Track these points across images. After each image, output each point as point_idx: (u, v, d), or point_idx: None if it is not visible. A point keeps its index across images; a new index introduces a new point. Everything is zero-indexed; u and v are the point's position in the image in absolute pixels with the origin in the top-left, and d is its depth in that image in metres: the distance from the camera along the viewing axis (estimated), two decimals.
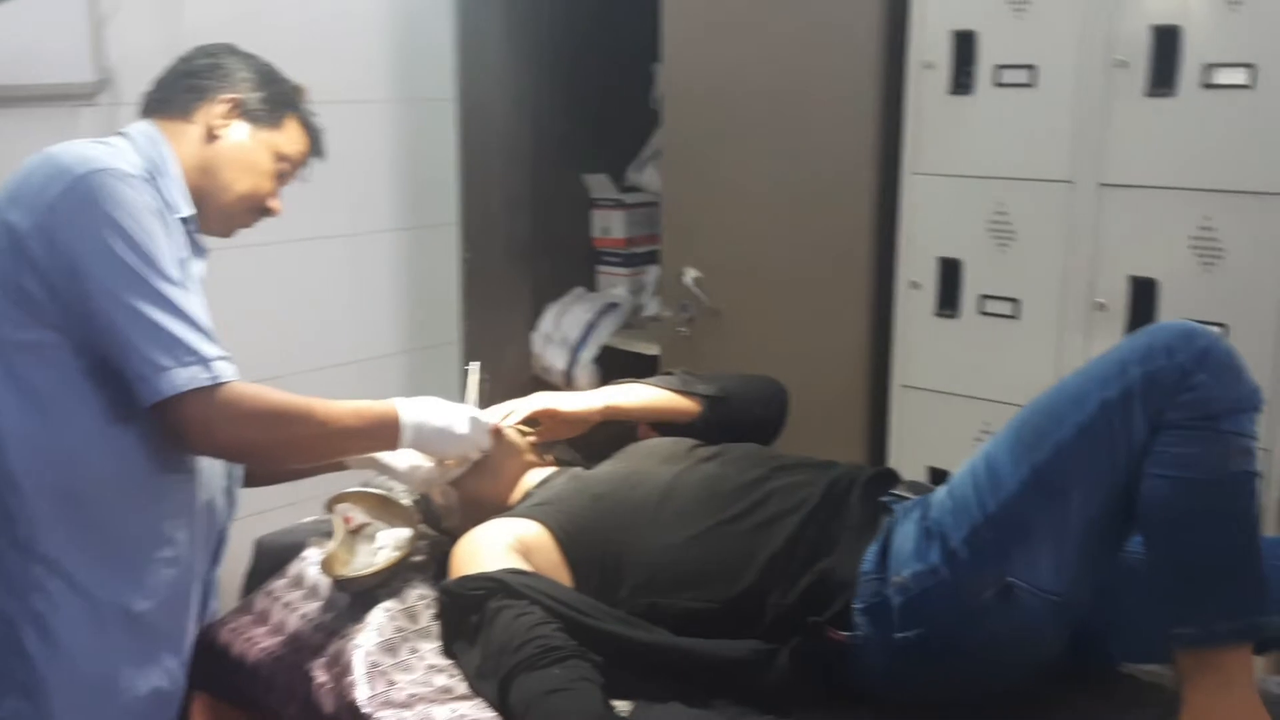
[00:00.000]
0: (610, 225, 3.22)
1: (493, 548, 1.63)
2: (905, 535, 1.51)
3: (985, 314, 2.30)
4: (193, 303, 1.55)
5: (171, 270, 1.53)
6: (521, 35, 2.94)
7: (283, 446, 1.60)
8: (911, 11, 2.27)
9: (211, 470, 1.70)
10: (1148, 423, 1.36)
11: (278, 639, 1.71)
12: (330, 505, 1.84)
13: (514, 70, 2.94)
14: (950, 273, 2.34)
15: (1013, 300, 2.26)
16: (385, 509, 1.85)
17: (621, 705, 1.49)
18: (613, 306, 3.15)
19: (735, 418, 1.95)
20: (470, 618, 1.56)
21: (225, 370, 1.52)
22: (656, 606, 1.59)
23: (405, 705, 1.52)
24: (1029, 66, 2.17)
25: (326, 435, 1.62)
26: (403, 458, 1.77)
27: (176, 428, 1.52)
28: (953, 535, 1.45)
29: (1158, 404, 1.35)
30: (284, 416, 1.57)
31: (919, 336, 2.40)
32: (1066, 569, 1.42)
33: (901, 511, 1.57)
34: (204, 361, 1.50)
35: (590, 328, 3.10)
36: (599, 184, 3.23)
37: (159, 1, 2.43)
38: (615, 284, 3.24)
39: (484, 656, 1.53)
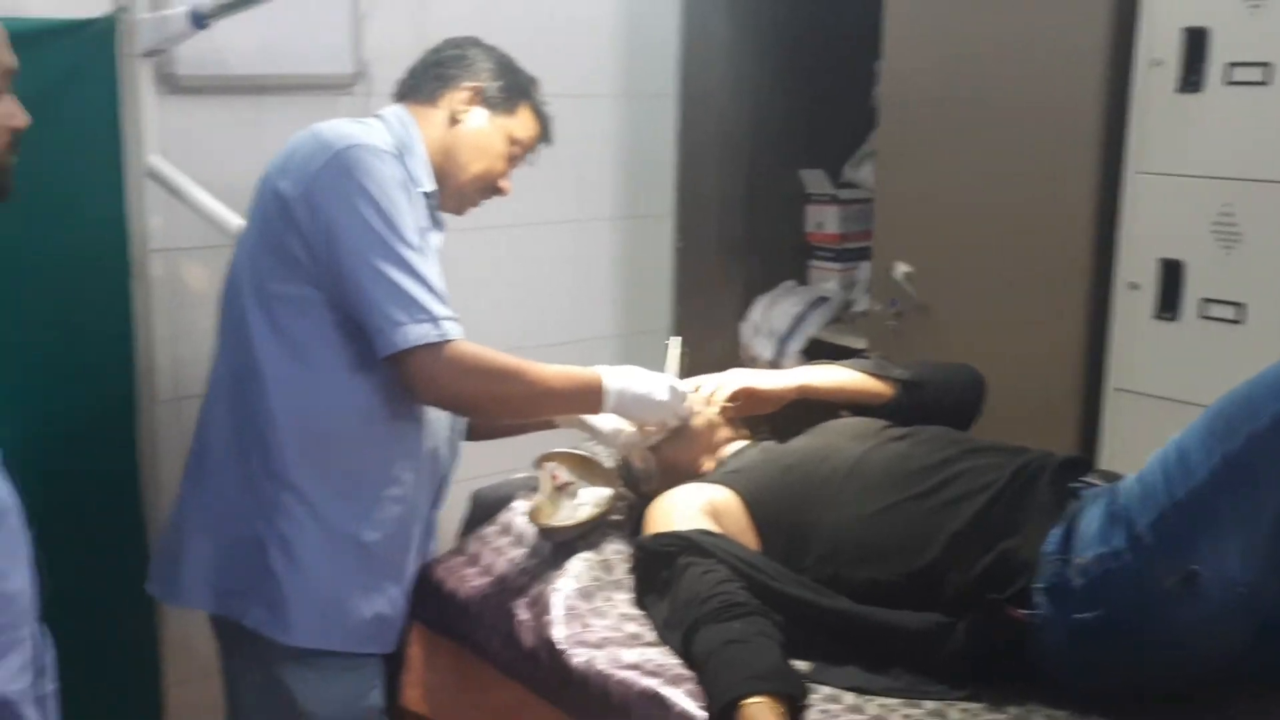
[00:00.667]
0: (824, 221, 3.26)
1: (685, 509, 1.72)
2: (1091, 518, 1.51)
3: (1207, 318, 2.23)
4: (429, 268, 1.71)
5: (412, 237, 1.69)
6: (745, 34, 3.02)
7: (497, 401, 1.74)
8: (1141, 7, 2.23)
9: (438, 421, 1.86)
10: None
11: (486, 579, 1.85)
12: (539, 463, 1.97)
13: (735, 68, 3.02)
14: (1171, 275, 2.27)
15: (1237, 304, 2.18)
16: (589, 469, 1.97)
17: (801, 665, 1.55)
18: (822, 300, 3.19)
19: (929, 403, 1.97)
20: (661, 572, 1.66)
21: (452, 329, 1.67)
22: (839, 576, 1.65)
23: (597, 646, 1.63)
24: (1264, 64, 2.09)
25: (536, 395, 1.75)
26: (607, 422, 1.89)
27: (406, 378, 1.68)
28: (1139, 520, 1.44)
29: None
30: (500, 374, 1.71)
31: (1136, 339, 2.34)
32: (1253, 561, 1.39)
33: (1089, 497, 1.57)
34: (434, 320, 1.66)
35: (799, 320, 3.15)
36: (814, 180, 3.27)
37: (411, 1, 2.64)
38: (826, 279, 3.28)
39: (672, 608, 1.62)
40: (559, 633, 1.66)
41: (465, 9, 2.67)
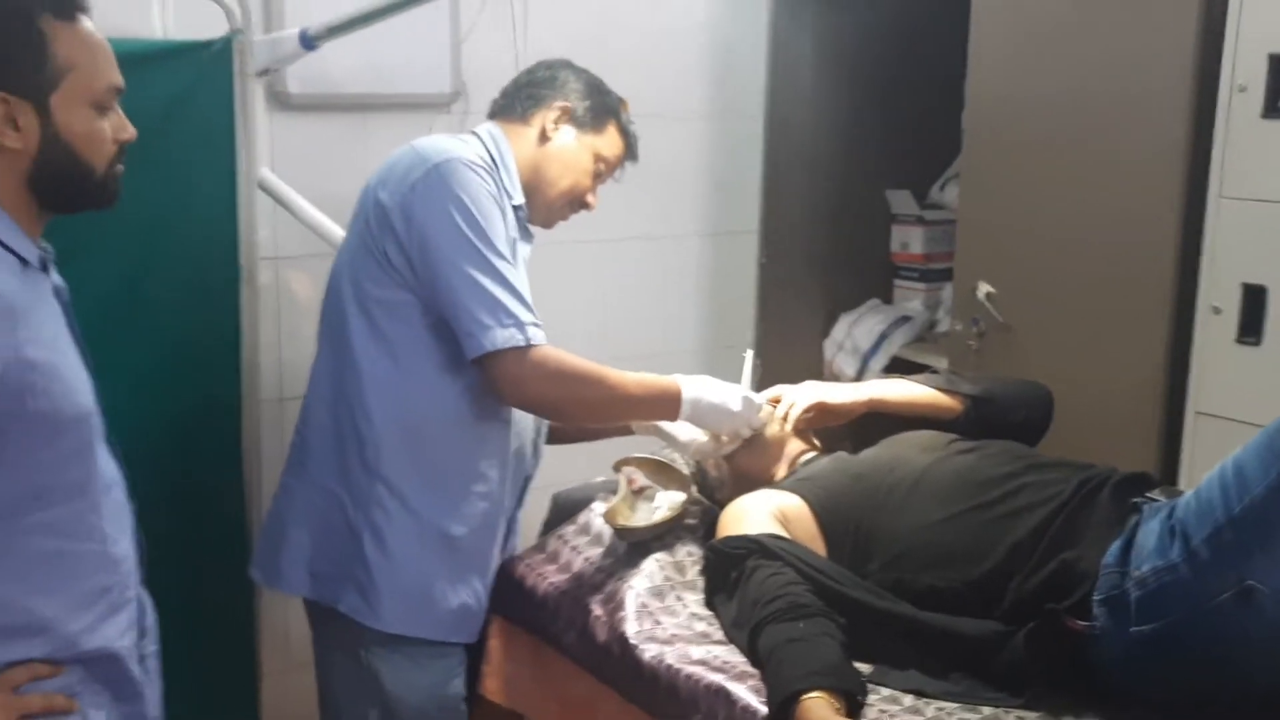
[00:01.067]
0: (909, 241, 3.29)
1: (756, 514, 1.79)
2: (1149, 532, 1.53)
3: None
4: (517, 276, 1.80)
5: (503, 247, 1.79)
6: (833, 55, 3.07)
7: (578, 404, 1.83)
8: (1228, 33, 2.24)
9: (524, 423, 1.95)
10: None
11: (564, 576, 1.93)
12: (618, 466, 2.06)
13: (822, 89, 3.07)
14: (1255, 299, 2.27)
15: None
16: (665, 475, 2.05)
17: (862, 667, 1.60)
18: (906, 319, 3.22)
19: (998, 418, 2.01)
20: (730, 573, 1.72)
21: (537, 335, 1.77)
22: (902, 582, 1.69)
23: (667, 642, 1.70)
24: None
25: (614, 400, 1.83)
26: (683, 430, 1.96)
27: (492, 380, 1.78)
28: (1195, 534, 1.46)
29: None
30: (581, 379, 1.80)
31: (1218, 363, 2.33)
32: None
33: (1150, 511, 1.59)
34: (520, 325, 1.75)
35: (882, 338, 3.19)
36: (901, 200, 3.31)
37: (507, 25, 2.75)
38: (911, 298, 3.31)
39: (739, 608, 1.68)
40: (631, 628, 1.74)
41: (561, 33, 2.77)
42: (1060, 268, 2.57)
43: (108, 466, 1.48)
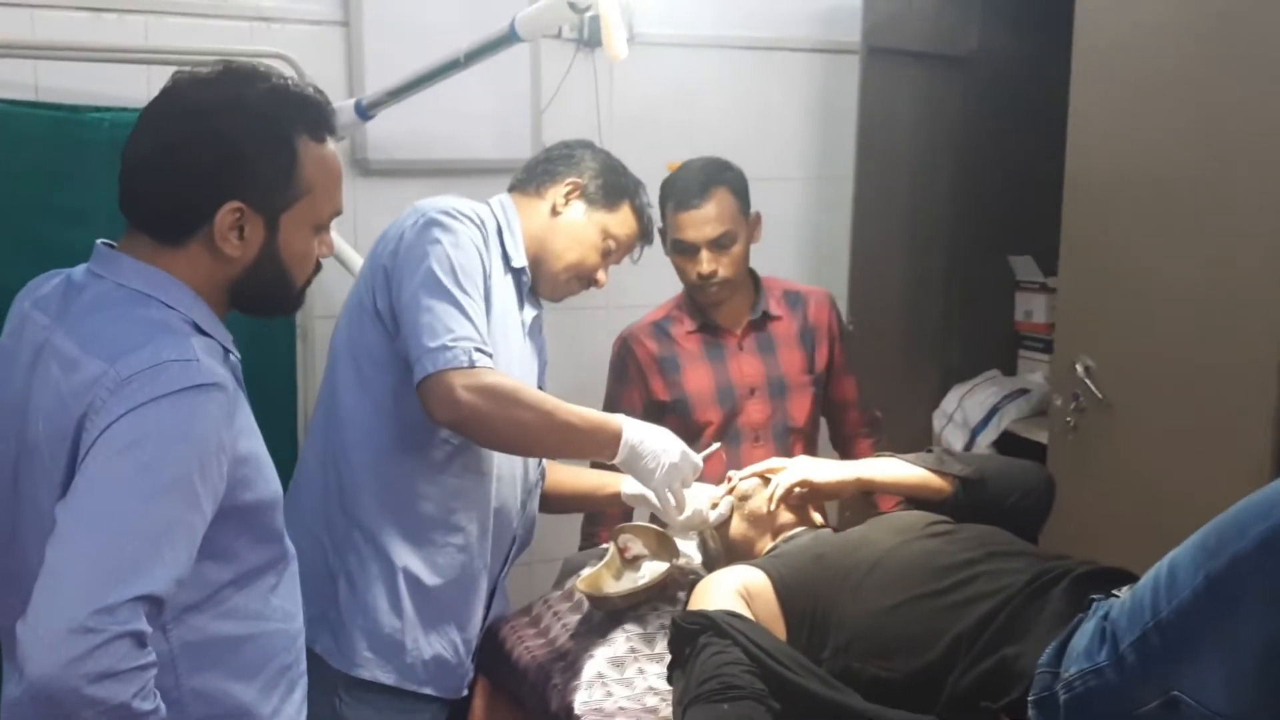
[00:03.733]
0: (1033, 309, 3.11)
1: (720, 589, 1.73)
2: (1085, 632, 1.39)
3: None
4: (475, 308, 1.79)
5: (468, 284, 1.80)
6: (932, 117, 2.96)
7: (513, 425, 1.75)
8: None
9: (509, 481, 1.95)
10: None
11: (540, 641, 1.91)
12: (615, 533, 2.02)
13: (920, 150, 2.96)
14: None
15: None
16: (662, 545, 2.00)
17: None
18: (1023, 392, 3.03)
19: (989, 501, 1.89)
20: (685, 649, 1.66)
21: (481, 359, 1.75)
22: (850, 669, 1.60)
23: (610, 715, 1.66)
24: None
25: (552, 427, 1.78)
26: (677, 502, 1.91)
27: (429, 400, 1.73)
28: (1124, 637, 1.32)
29: None
30: (518, 401, 1.75)
31: None
32: (1240, 691, 1.24)
33: (1096, 609, 1.44)
34: (465, 349, 1.73)
35: (994, 411, 3.01)
36: (1024, 266, 3.13)
37: (588, 93, 2.81)
38: (1034, 369, 3.11)
39: (684, 686, 1.62)
40: (580, 697, 1.70)
41: (640, 99, 2.81)
42: (1163, 343, 2.35)
43: (287, 544, 1.49)
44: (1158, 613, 1.29)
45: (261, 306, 1.44)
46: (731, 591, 1.72)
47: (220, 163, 1.32)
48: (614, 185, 2.03)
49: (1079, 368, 2.50)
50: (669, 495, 1.88)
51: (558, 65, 2.79)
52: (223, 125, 1.32)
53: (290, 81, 1.39)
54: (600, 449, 1.85)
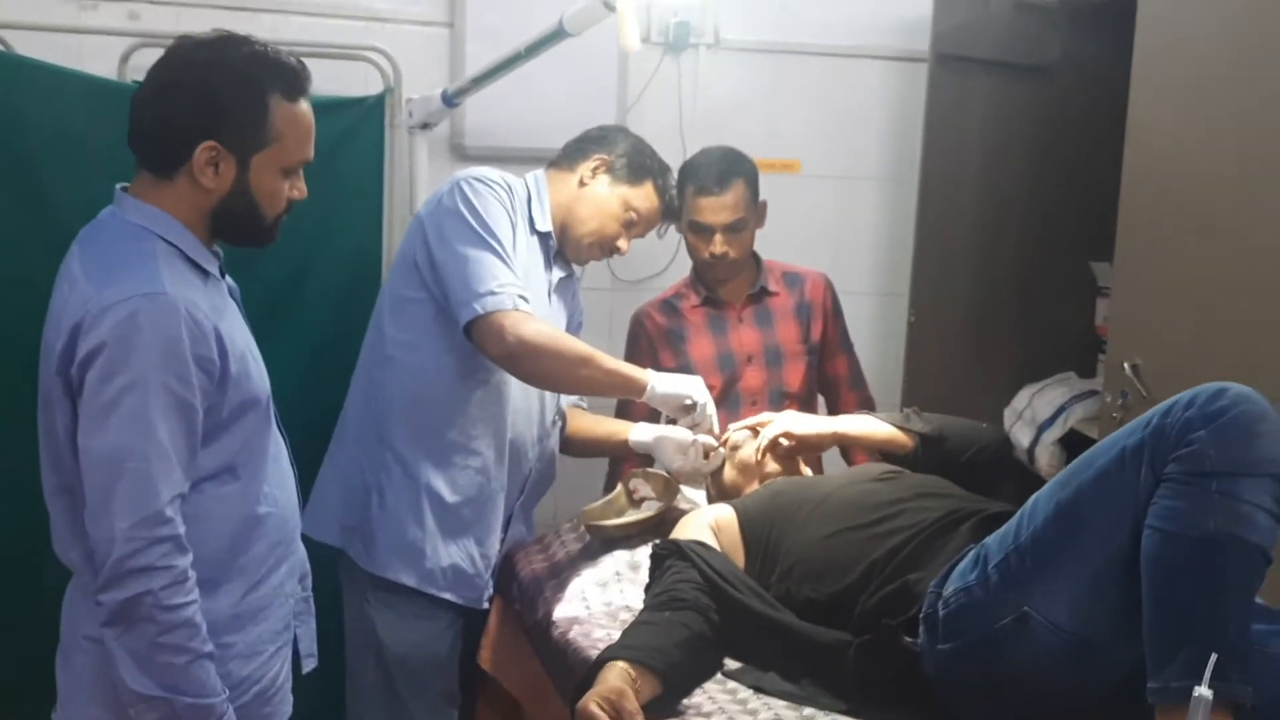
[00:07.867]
0: None
1: (695, 523, 1.93)
2: (966, 557, 1.53)
3: None
4: (510, 256, 2.04)
5: (503, 237, 2.05)
6: (1003, 122, 3.01)
7: (556, 357, 2.01)
8: None
9: (528, 414, 2.19)
10: (1153, 473, 1.33)
11: (544, 564, 2.13)
12: (628, 477, 2.23)
13: (992, 155, 3.02)
14: None
15: None
16: (667, 489, 2.20)
17: (732, 663, 1.71)
18: (1093, 393, 3.05)
19: (948, 456, 2.05)
20: (655, 571, 1.85)
21: (524, 305, 2.00)
22: (790, 592, 1.76)
23: (582, 623, 1.86)
24: None
25: (585, 360, 2.02)
26: (671, 455, 2.11)
27: (479, 338, 2.00)
28: (991, 559, 1.48)
29: (1161, 456, 1.33)
30: (561, 337, 2.05)
31: None
32: (1081, 608, 1.39)
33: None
34: (509, 294, 1.99)
35: (1061, 410, 3.04)
36: (1105, 272, 3.16)
37: (672, 94, 3.02)
38: None
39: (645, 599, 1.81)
40: (559, 609, 1.91)
41: (722, 99, 3.00)
42: (1209, 343, 2.38)
43: (276, 439, 1.76)
44: (1019, 538, 1.44)
45: (237, 236, 1.68)
46: (704, 524, 1.91)
47: (201, 108, 1.59)
48: (639, 164, 2.25)
49: (1126, 366, 2.55)
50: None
51: (646, 66, 3.01)
52: (208, 77, 1.59)
53: (272, 49, 1.66)
54: (629, 387, 2.07)
